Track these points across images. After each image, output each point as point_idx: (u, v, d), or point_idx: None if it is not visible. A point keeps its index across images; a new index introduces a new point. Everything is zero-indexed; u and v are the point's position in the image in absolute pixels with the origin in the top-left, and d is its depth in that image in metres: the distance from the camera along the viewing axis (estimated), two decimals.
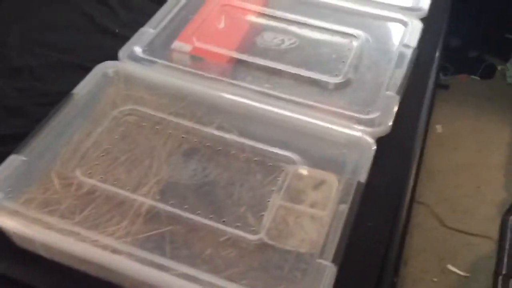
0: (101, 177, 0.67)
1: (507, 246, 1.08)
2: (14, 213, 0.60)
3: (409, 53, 0.81)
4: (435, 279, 1.06)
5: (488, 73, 1.53)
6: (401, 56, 0.81)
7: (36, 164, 0.67)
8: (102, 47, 0.95)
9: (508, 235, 1.09)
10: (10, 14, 1.05)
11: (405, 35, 0.86)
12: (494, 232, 1.13)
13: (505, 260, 1.06)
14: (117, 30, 1.01)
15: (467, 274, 1.07)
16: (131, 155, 0.71)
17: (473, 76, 1.52)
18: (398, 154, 0.77)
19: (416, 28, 0.87)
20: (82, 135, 0.72)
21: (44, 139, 0.69)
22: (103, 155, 0.71)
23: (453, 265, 1.08)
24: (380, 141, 0.72)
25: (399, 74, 0.78)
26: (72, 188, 0.66)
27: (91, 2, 1.09)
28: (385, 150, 0.73)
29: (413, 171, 0.79)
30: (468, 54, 1.53)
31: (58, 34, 1.01)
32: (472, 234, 1.13)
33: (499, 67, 1.53)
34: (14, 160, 0.66)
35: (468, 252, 1.09)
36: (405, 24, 0.88)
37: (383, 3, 0.93)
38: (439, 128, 1.33)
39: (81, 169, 0.68)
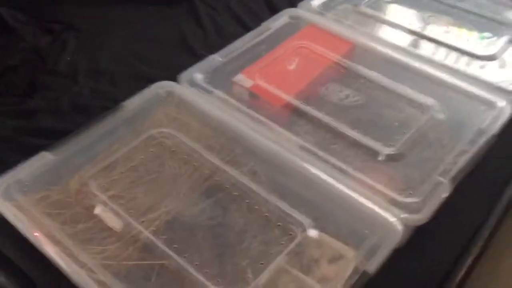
0: (115, 194, 0.67)
1: None
2: (18, 207, 0.62)
3: (482, 139, 0.71)
4: None
5: None
6: (472, 140, 0.71)
7: (62, 165, 0.69)
8: (181, 66, 0.96)
9: None
10: (113, 21, 1.12)
11: (486, 117, 0.75)
12: None
13: None
14: (201, 52, 1.03)
15: None
16: (155, 177, 0.71)
17: None
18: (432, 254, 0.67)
19: (503, 112, 0.75)
20: (116, 146, 0.73)
21: (78, 143, 0.71)
22: (128, 171, 0.71)
23: None
24: (418, 230, 0.64)
25: (462, 161, 0.68)
26: (86, 197, 0.67)
27: (189, 22, 1.12)
28: (421, 243, 0.64)
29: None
30: None
31: (148, 46, 1.05)
32: None
33: None
34: (42, 156, 0.69)
35: None
36: (490, 104, 0.77)
37: (474, 77, 0.82)
38: None
39: (100, 181, 0.69)
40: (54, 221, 0.63)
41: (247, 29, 1.06)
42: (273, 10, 1.12)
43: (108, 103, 0.90)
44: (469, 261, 0.68)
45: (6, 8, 1.02)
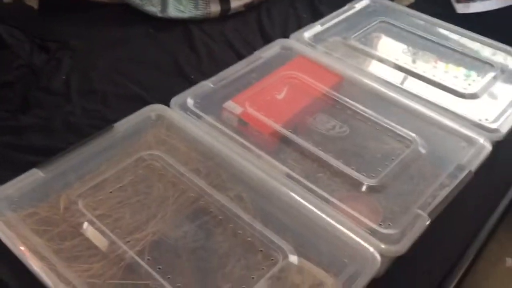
0: (102, 213, 0.69)
1: None
2: (6, 223, 0.63)
3: (461, 175, 0.73)
4: None
5: None
6: (450, 176, 0.73)
7: (51, 183, 0.70)
8: (172, 89, 0.97)
9: None
10: (108, 42, 1.14)
11: (466, 153, 0.77)
12: None
13: None
14: (192, 77, 1.05)
15: None
16: (142, 198, 0.72)
17: None
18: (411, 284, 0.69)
19: (482, 150, 0.78)
20: (105, 167, 0.75)
21: (68, 161, 0.73)
22: (116, 191, 0.72)
23: None
24: (397, 260, 0.65)
25: (441, 195, 0.70)
26: (73, 215, 0.68)
27: (184, 47, 1.15)
28: (400, 273, 0.66)
29: None
30: None
31: (141, 68, 1.08)
32: None
33: None
34: (32, 174, 0.70)
35: None
36: (471, 142, 0.80)
37: (456, 114, 0.85)
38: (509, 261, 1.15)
39: (88, 200, 0.70)
40: (40, 238, 0.64)
41: (240, 56, 1.09)
42: (267, 39, 1.15)
43: (99, 122, 0.92)
44: None
45: (4, 25, 1.04)
